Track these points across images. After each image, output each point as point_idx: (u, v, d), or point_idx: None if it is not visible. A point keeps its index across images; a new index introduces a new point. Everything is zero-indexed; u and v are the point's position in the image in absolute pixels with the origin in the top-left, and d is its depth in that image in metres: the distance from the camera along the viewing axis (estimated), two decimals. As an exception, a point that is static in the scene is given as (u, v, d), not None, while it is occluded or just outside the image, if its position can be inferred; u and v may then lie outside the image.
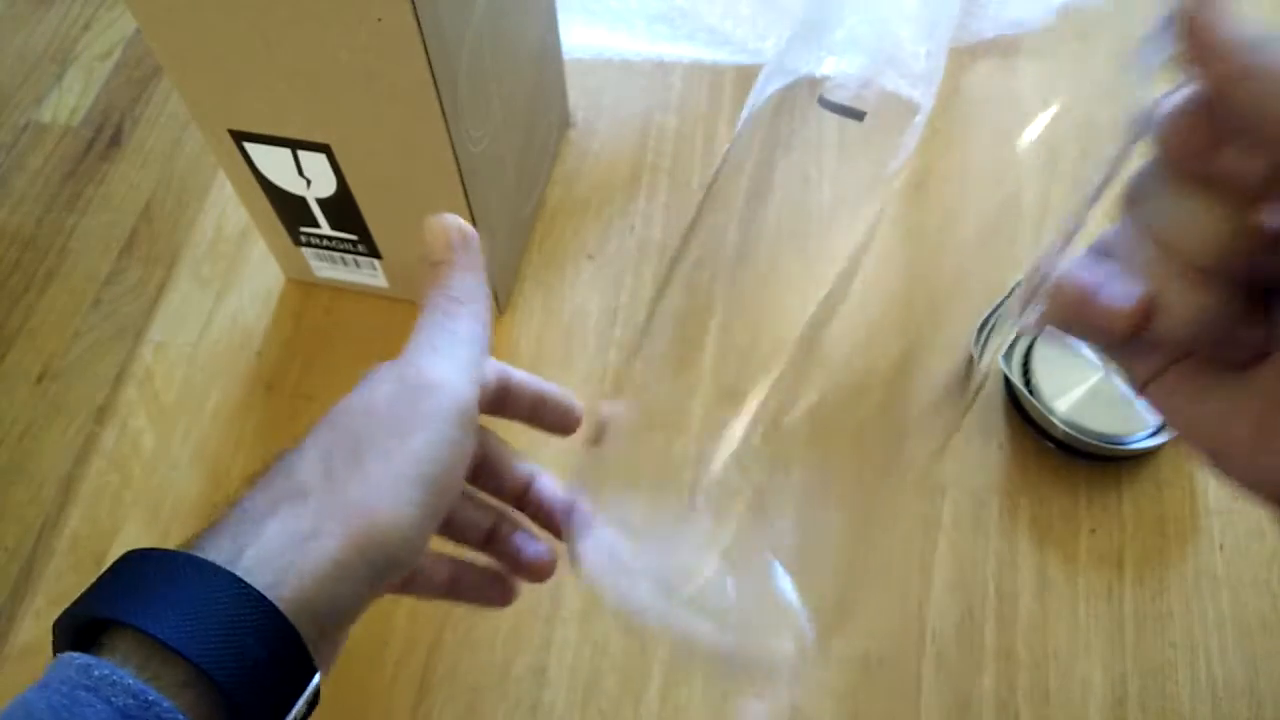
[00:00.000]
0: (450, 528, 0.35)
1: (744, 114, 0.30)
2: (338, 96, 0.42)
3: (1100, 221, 0.25)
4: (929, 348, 0.28)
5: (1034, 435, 0.50)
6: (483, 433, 0.34)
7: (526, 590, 0.37)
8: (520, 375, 0.35)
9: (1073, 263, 0.24)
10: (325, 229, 0.51)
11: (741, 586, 0.30)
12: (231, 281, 0.57)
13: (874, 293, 0.28)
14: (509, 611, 0.37)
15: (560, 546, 0.34)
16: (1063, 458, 0.49)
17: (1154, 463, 0.50)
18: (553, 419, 0.36)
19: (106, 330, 0.56)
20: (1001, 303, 0.26)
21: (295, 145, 0.45)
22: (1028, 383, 0.49)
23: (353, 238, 0.51)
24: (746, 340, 0.30)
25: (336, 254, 0.53)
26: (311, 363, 0.54)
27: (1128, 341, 0.23)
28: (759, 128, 0.30)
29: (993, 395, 0.52)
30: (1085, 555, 0.47)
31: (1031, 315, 0.26)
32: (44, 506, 0.50)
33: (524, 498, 0.35)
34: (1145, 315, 0.23)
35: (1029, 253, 0.26)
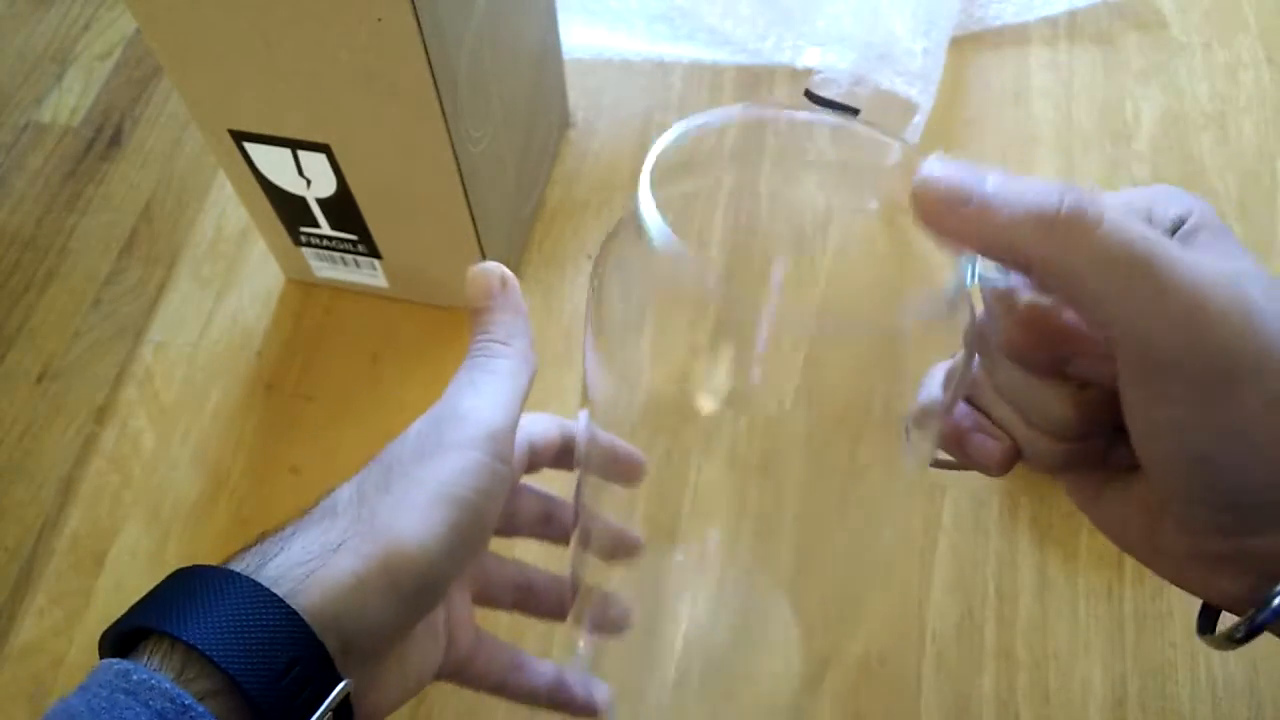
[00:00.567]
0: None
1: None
2: (338, 96, 0.42)
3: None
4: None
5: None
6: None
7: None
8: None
9: (946, 398, 0.25)
10: (325, 229, 0.51)
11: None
12: (231, 281, 0.58)
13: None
14: (509, 612, 0.38)
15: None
16: (1063, 457, 0.49)
17: (1154, 462, 0.50)
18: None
19: (106, 330, 0.56)
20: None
21: (295, 145, 0.45)
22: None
23: (353, 238, 0.51)
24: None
25: (336, 254, 0.53)
26: (311, 363, 0.54)
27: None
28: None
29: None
30: (1085, 555, 0.47)
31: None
32: (44, 506, 0.50)
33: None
34: (1012, 459, 0.26)
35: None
